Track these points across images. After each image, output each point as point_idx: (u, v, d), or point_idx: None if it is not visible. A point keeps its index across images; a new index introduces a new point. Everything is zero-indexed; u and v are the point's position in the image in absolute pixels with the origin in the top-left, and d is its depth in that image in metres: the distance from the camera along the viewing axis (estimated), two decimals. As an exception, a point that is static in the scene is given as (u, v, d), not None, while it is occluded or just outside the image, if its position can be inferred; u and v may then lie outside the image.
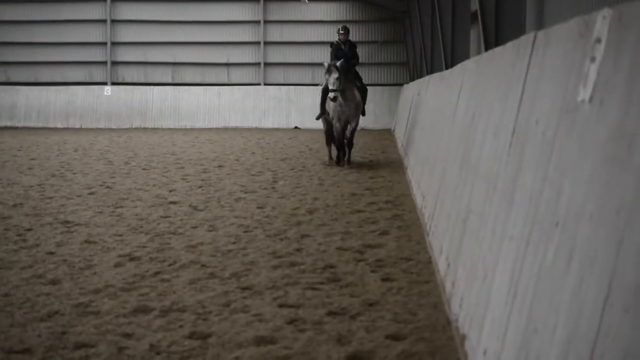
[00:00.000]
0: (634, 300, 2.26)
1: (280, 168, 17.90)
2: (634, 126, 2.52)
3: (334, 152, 18.99)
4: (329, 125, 18.88)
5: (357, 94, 18.33)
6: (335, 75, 17.47)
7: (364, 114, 19.07)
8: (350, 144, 18.58)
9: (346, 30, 19.14)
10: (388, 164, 19.08)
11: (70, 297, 6.47)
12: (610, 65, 2.85)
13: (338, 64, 17.72)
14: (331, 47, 19.10)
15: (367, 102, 19.41)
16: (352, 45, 19.06)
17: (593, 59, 3.05)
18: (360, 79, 19.21)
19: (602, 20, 3.02)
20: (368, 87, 19.93)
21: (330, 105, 18.03)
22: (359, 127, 19.78)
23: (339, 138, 18.18)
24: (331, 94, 17.45)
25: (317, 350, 5.18)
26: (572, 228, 2.97)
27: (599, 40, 3.02)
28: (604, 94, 2.87)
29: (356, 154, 21.07)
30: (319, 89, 19.73)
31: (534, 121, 3.97)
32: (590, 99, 3.01)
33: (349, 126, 18.23)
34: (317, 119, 19.41)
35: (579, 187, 2.99)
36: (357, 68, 19.26)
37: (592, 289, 2.62)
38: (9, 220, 10.38)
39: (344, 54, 18.48)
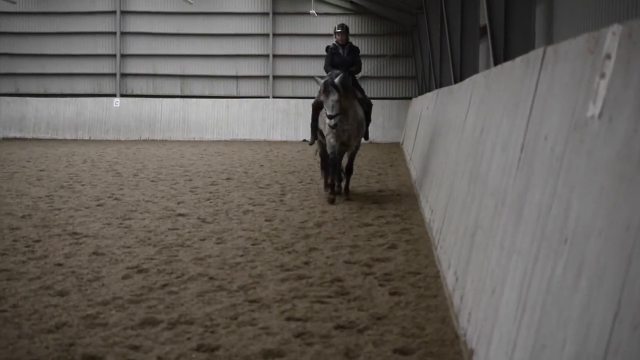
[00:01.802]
0: (643, 317, 2.26)
1: (289, 181, 17.91)
2: (644, 143, 2.52)
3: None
4: (323, 147, 15.15)
5: (360, 111, 14.50)
6: (334, 97, 13.61)
7: (366, 138, 15.36)
8: (350, 170, 14.95)
9: (344, 29, 15.24)
10: (396, 177, 19.07)
11: (78, 309, 6.48)
12: (619, 82, 2.85)
13: (337, 80, 13.78)
14: (327, 51, 15.25)
15: (374, 117, 15.95)
16: (353, 49, 15.17)
17: (603, 75, 3.05)
18: (361, 90, 15.30)
19: (611, 37, 3.03)
20: (376, 101, 16.46)
21: (324, 121, 14.24)
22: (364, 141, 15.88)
23: (332, 158, 14.20)
24: (331, 122, 13.57)
25: (325, 364, 5.18)
26: (581, 244, 2.96)
27: (608, 57, 3.02)
28: (614, 110, 2.87)
29: (364, 168, 21.00)
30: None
31: (543, 137, 3.97)
32: (600, 115, 3.02)
33: (351, 148, 14.82)
34: (311, 144, 15.51)
35: (587, 203, 2.99)
36: (359, 79, 16.02)
37: (601, 306, 2.61)
38: (18, 232, 10.40)
39: (343, 61, 14.86)
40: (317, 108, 14.54)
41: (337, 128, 13.84)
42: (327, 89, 13.71)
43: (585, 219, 2.98)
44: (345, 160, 15.08)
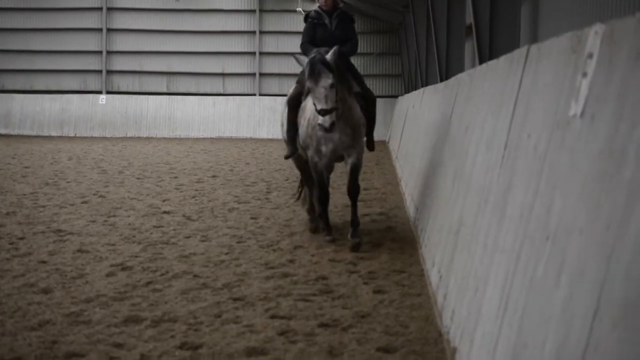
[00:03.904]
0: (622, 316, 2.26)
1: (274, 179, 17.89)
2: (624, 141, 2.53)
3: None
4: (303, 160, 10.49)
5: (357, 109, 9.58)
6: (327, 81, 8.85)
7: (371, 147, 10.43)
8: (354, 191, 9.69)
9: None
10: (382, 175, 19.08)
11: (61, 306, 6.47)
12: (601, 81, 2.87)
13: (329, 56, 9.02)
14: (305, 21, 10.11)
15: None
16: (345, 19, 10.05)
17: (585, 74, 3.06)
18: (360, 79, 10.16)
19: (594, 36, 3.04)
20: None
21: (304, 125, 9.60)
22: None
23: (320, 182, 9.71)
24: (325, 120, 8.76)
25: (308, 362, 5.18)
26: (563, 242, 2.97)
27: (590, 56, 3.03)
28: (595, 109, 2.88)
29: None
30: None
31: (526, 135, 3.99)
32: (582, 114, 3.03)
33: (348, 161, 9.61)
34: (288, 157, 10.35)
35: (569, 202, 3.00)
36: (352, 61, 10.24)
37: (581, 304, 2.62)
38: (2, 229, 10.36)
39: (330, 36, 9.83)
40: (295, 105, 9.92)
41: (319, 137, 9.33)
42: (314, 69, 8.91)
43: (567, 217, 2.99)
44: (343, 171, 10.60)
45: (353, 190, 9.66)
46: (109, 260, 8.43)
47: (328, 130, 8.79)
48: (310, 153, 9.60)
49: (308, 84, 9.02)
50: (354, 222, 9.46)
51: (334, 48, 9.10)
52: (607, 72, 2.82)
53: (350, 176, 9.62)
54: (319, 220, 10.13)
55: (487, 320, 4.04)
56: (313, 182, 10.15)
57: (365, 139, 10.01)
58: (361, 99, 9.81)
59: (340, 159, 9.77)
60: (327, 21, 9.92)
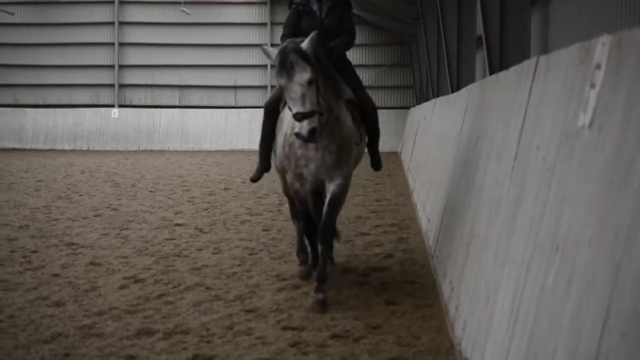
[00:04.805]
0: (631, 325, 2.27)
1: (286, 191, 17.88)
2: (632, 151, 2.54)
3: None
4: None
5: (348, 121, 7.48)
6: (304, 75, 6.67)
7: (376, 166, 8.38)
8: (328, 232, 7.36)
9: None
10: (394, 186, 19.07)
11: (74, 319, 6.49)
12: (609, 91, 2.88)
13: (305, 44, 6.76)
14: (289, 7, 8.22)
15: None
16: (338, 4, 8.01)
17: (593, 85, 3.07)
18: (357, 83, 8.22)
19: (601, 47, 3.05)
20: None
21: (280, 142, 7.67)
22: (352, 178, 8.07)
23: (305, 213, 7.69)
24: (302, 127, 6.59)
25: (320, 374, 5.19)
26: (572, 253, 2.98)
27: (598, 67, 3.05)
28: (604, 120, 2.89)
29: (361, 177, 20.76)
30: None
31: (535, 146, 3.99)
32: (590, 125, 3.04)
33: (329, 188, 7.41)
34: (255, 180, 8.57)
35: (578, 212, 3.01)
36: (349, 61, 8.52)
37: (590, 314, 2.63)
38: (15, 242, 10.40)
39: (319, 25, 7.73)
40: (273, 111, 8.01)
41: (298, 156, 7.29)
42: (286, 61, 6.69)
43: (576, 228, 2.99)
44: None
45: (326, 231, 7.36)
46: (121, 272, 8.46)
47: (307, 139, 6.66)
48: (289, 178, 7.54)
49: (279, 80, 6.79)
50: (321, 274, 7.19)
51: (312, 34, 6.86)
52: (614, 83, 2.83)
53: (327, 210, 7.35)
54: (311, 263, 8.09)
55: (498, 330, 4.04)
56: (303, 233, 8.22)
57: (364, 153, 8.17)
58: (357, 106, 7.79)
59: (321, 185, 7.57)
60: (315, 7, 7.97)
